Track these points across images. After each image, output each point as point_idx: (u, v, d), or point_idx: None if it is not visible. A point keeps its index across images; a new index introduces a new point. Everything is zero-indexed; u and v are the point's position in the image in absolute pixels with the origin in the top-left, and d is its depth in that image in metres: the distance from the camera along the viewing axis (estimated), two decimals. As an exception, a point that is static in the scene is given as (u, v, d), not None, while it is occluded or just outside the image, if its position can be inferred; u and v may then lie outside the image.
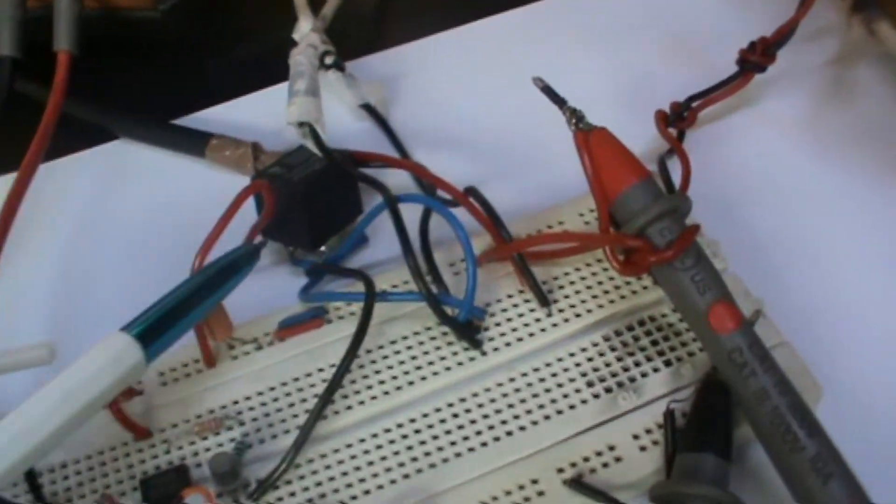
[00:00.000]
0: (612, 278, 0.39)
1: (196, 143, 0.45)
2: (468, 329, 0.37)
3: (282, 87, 0.43)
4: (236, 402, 0.38)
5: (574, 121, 0.37)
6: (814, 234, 0.42)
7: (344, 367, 0.36)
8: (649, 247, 0.35)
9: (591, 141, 0.36)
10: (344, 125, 0.45)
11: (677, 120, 0.43)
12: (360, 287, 0.38)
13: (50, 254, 0.45)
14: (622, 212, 0.36)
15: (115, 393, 0.33)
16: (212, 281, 0.36)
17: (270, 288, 0.41)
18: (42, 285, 0.44)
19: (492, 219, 0.39)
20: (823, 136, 0.45)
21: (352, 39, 0.48)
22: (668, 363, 0.37)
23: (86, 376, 0.32)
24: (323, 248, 0.41)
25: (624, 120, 0.42)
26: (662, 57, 0.48)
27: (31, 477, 0.36)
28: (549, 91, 0.38)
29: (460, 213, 0.39)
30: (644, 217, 0.35)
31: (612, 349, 0.37)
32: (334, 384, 0.36)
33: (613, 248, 0.36)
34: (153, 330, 0.34)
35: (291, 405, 0.37)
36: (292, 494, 0.35)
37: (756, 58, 0.43)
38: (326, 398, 0.36)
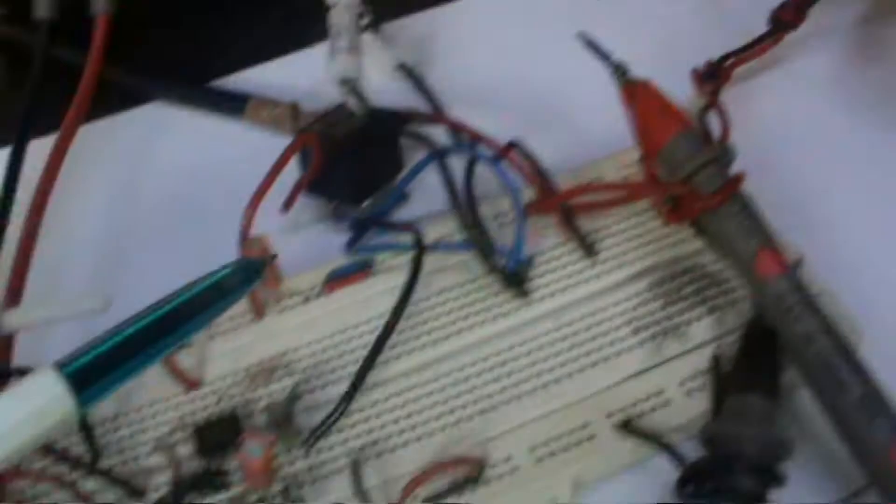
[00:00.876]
0: (652, 230, 0.40)
1: (235, 105, 0.46)
2: (515, 279, 0.38)
3: (316, 49, 0.44)
4: (285, 354, 0.38)
5: (619, 74, 0.38)
6: (841, 187, 0.42)
7: (395, 318, 0.37)
8: (696, 194, 0.36)
9: (638, 93, 0.37)
10: (380, 86, 0.46)
11: (712, 78, 0.43)
12: (406, 240, 0.39)
13: (91, 214, 0.45)
14: (668, 161, 0.37)
15: (38, 444, 0.27)
16: (182, 308, 0.29)
17: (311, 245, 0.42)
18: (84, 244, 0.44)
19: (537, 171, 0.39)
20: (852, 93, 0.45)
21: (386, 2, 0.48)
22: (711, 310, 0.38)
23: (3, 429, 0.26)
24: (365, 204, 0.42)
25: (657, 79, 0.42)
26: (692, 16, 0.48)
27: (87, 428, 0.36)
28: (593, 46, 0.38)
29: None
30: (690, 165, 0.36)
31: (656, 298, 0.38)
32: (385, 334, 0.37)
33: (660, 197, 0.37)
34: (92, 371, 0.27)
35: (341, 355, 0.38)
36: (344, 441, 0.36)
37: (788, 17, 0.44)
38: (378, 348, 0.37)
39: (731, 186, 0.35)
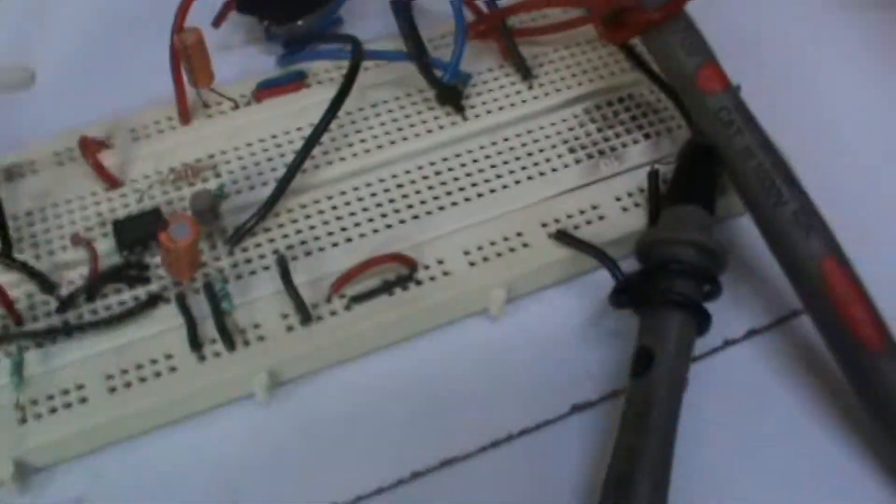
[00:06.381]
0: (589, 60, 0.40)
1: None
2: (452, 94, 0.37)
3: None
4: (212, 156, 0.37)
5: None
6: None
7: (327, 119, 0.36)
8: (642, 9, 0.35)
9: None
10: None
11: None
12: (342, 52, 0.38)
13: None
14: (613, -23, 0.36)
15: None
16: None
17: (242, 64, 0.41)
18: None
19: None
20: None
21: None
22: (647, 136, 0.38)
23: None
24: (300, 23, 0.41)
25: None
26: None
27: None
28: None
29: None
30: (636, -20, 0.35)
31: (593, 121, 0.38)
32: (316, 135, 0.35)
33: (604, 12, 0.36)
34: None
35: (270, 160, 0.37)
36: (271, 241, 0.35)
37: None
38: (308, 148, 0.35)
39: (677, 4, 0.35)
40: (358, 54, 0.36)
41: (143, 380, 0.32)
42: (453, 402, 0.33)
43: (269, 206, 0.35)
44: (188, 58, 0.36)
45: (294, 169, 0.35)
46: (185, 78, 0.37)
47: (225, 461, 0.32)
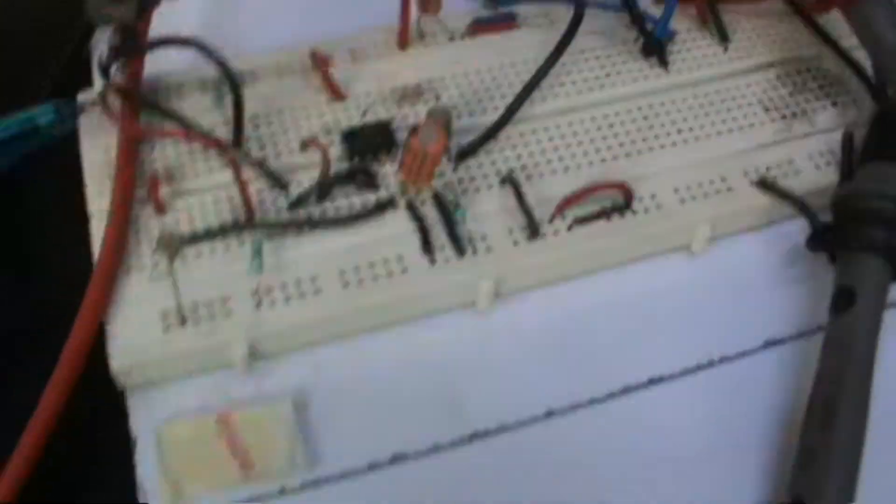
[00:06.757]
0: (780, 31, 0.42)
1: None
2: (658, 47, 0.40)
3: None
4: (431, 81, 0.39)
5: None
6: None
7: (553, 58, 0.38)
8: (853, -20, 0.38)
9: None
10: None
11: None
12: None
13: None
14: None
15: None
16: None
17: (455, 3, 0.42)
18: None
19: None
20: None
21: None
22: (834, 104, 0.40)
23: None
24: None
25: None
26: None
27: (238, 112, 0.36)
28: None
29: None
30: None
31: (784, 86, 0.40)
32: (542, 72, 0.38)
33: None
34: None
35: (487, 90, 0.39)
36: (493, 163, 0.37)
37: None
38: (534, 83, 0.38)
39: (882, -20, 0.38)
40: (581, 4, 0.38)
41: (375, 278, 0.34)
42: (658, 327, 0.35)
43: (495, 130, 0.37)
44: (422, -17, 0.38)
45: (521, 100, 0.37)
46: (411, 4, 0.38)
47: (443, 364, 0.34)
